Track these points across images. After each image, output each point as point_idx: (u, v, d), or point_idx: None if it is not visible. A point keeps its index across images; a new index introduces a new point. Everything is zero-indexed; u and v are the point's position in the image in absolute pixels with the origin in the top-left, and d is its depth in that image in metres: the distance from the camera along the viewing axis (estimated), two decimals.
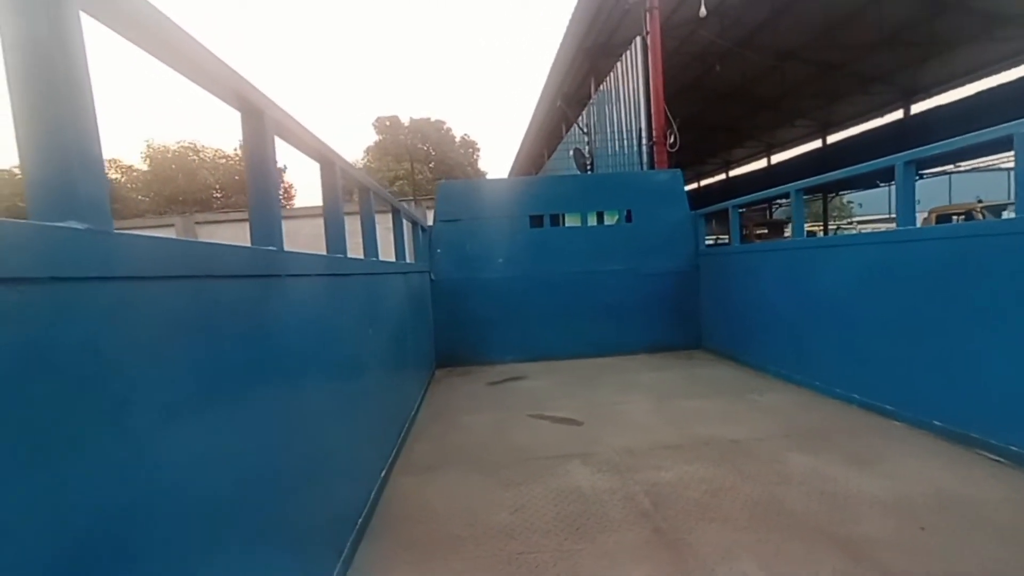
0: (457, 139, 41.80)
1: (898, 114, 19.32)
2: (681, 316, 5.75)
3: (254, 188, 1.41)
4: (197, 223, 9.95)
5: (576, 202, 5.83)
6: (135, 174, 24.61)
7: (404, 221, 3.88)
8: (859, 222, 38.56)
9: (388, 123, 40.07)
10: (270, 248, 1.41)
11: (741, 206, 5.31)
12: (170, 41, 1.02)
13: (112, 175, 24.42)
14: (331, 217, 2.14)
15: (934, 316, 2.83)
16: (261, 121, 1.39)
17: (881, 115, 20.29)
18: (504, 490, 2.53)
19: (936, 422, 2.83)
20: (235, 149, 28.46)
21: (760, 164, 28.42)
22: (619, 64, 10.93)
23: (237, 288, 1.24)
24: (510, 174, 28.46)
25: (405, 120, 40.38)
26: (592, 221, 5.82)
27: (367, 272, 2.58)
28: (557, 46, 13.37)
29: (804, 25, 14.65)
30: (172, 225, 9.81)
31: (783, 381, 4.21)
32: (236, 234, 9.48)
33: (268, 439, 1.35)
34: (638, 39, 9.78)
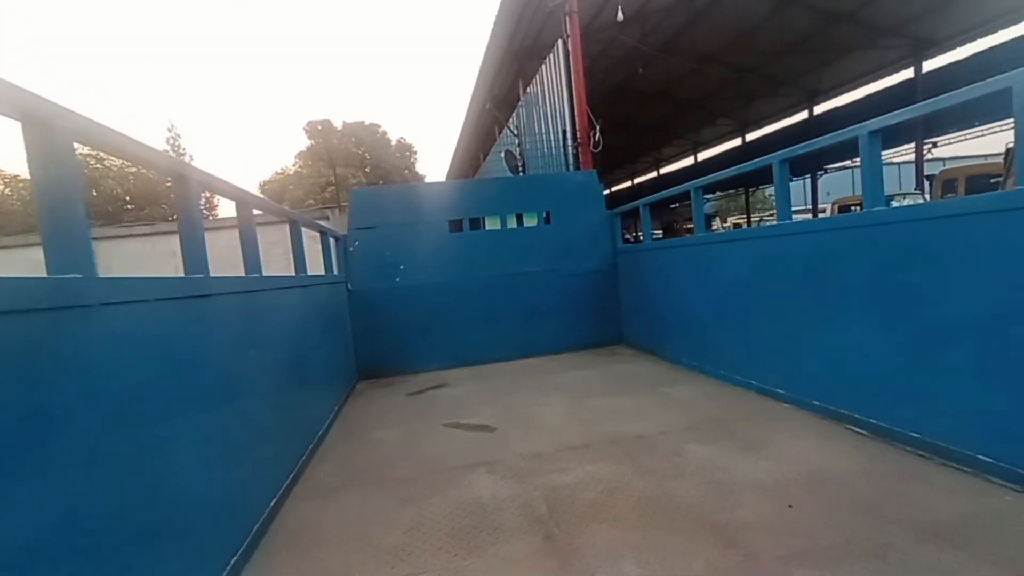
0: (393, 142, 40.94)
1: (803, 114, 20.93)
2: (603, 313, 5.87)
3: (45, 208, 1.24)
4: (94, 238, 9.04)
5: (495, 205, 5.81)
6: (21, 184, 21.96)
7: (303, 231, 3.68)
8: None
9: (320, 127, 38.57)
10: (71, 276, 1.25)
11: (654, 204, 5.50)
12: None
13: None
14: (188, 235, 1.97)
15: (808, 304, 3.03)
16: (51, 132, 1.23)
17: (790, 115, 21.92)
18: (403, 507, 2.44)
19: (815, 402, 3.04)
20: None
21: (688, 161, 29.90)
22: (543, 67, 11.08)
23: (23, 325, 1.09)
24: (447, 176, 28.21)
25: (338, 124, 39.06)
26: (512, 224, 5.83)
27: (241, 291, 2.40)
28: (484, 49, 13.35)
29: (719, 32, 15.55)
30: None
31: (694, 372, 4.38)
32: (140, 249, 8.68)
33: (91, 484, 1.21)
34: (560, 42, 9.95)
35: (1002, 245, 2.01)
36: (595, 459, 2.79)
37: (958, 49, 15.17)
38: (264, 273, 2.64)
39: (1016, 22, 13.47)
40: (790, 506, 2.10)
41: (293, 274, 3.48)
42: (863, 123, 2.46)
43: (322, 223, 5.07)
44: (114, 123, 1.51)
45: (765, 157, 3.10)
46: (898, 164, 30.31)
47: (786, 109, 21.74)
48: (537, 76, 11.60)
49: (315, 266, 4.29)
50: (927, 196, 12.77)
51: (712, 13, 14.52)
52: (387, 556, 2.04)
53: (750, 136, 24.69)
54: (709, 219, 23.15)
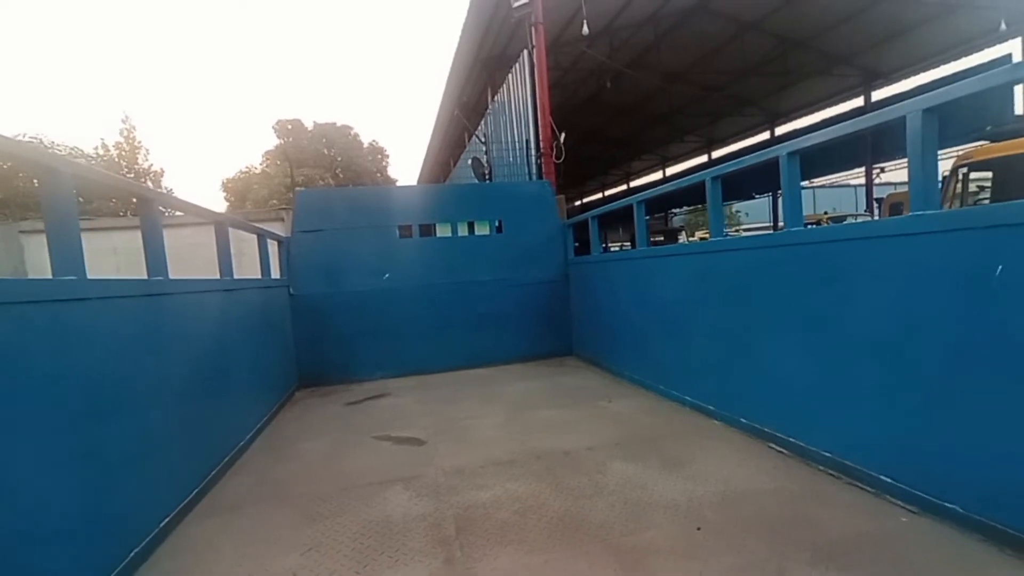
0: (365, 145, 40.39)
1: (765, 135, 21.70)
2: (553, 324, 5.85)
3: None
4: (23, 232, 8.47)
5: (447, 212, 5.74)
6: None
7: (230, 232, 3.51)
8: (745, 229, 42.88)
9: (290, 126, 37.73)
10: None
11: (604, 216, 5.53)
12: None
13: None
14: (59, 233, 1.81)
15: (736, 321, 3.07)
16: None
17: (753, 134, 22.69)
18: (308, 526, 2.32)
19: (742, 419, 3.06)
20: (96, 148, 25.15)
21: (657, 176, 30.57)
22: (510, 76, 11.11)
23: None
24: (419, 181, 27.98)
25: (309, 124, 38.29)
26: (464, 231, 5.76)
27: (135, 294, 2.25)
28: (452, 55, 13.32)
29: (684, 51, 15.97)
30: None
31: (635, 386, 4.38)
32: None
33: None
34: (525, 53, 9.99)
35: (902, 267, 2.06)
36: (518, 476, 2.72)
37: (903, 81, 16.06)
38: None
39: (955, 58, 14.37)
40: (698, 528, 2.07)
41: (217, 277, 3.31)
42: (781, 144, 2.50)
43: (265, 225, 4.89)
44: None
45: (696, 175, 3.13)
46: (854, 187, 31.93)
47: (750, 128, 22.48)
48: (504, 85, 11.63)
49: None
50: (876, 217, 13.38)
51: (678, 33, 14.90)
52: None
53: (716, 153, 25.43)
54: (676, 233, 23.62)
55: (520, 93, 10.55)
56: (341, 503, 2.53)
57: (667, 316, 3.87)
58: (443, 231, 5.72)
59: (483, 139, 13.78)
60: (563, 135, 9.44)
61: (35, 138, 23.27)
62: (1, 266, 8.65)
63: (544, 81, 9.40)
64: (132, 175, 24.48)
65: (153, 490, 2.25)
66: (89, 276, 1.91)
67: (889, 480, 2.16)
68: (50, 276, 1.80)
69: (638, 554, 1.92)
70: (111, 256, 7.52)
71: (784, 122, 20.91)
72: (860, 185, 24.22)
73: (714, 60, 16.69)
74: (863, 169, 18.40)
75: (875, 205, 14.54)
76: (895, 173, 17.07)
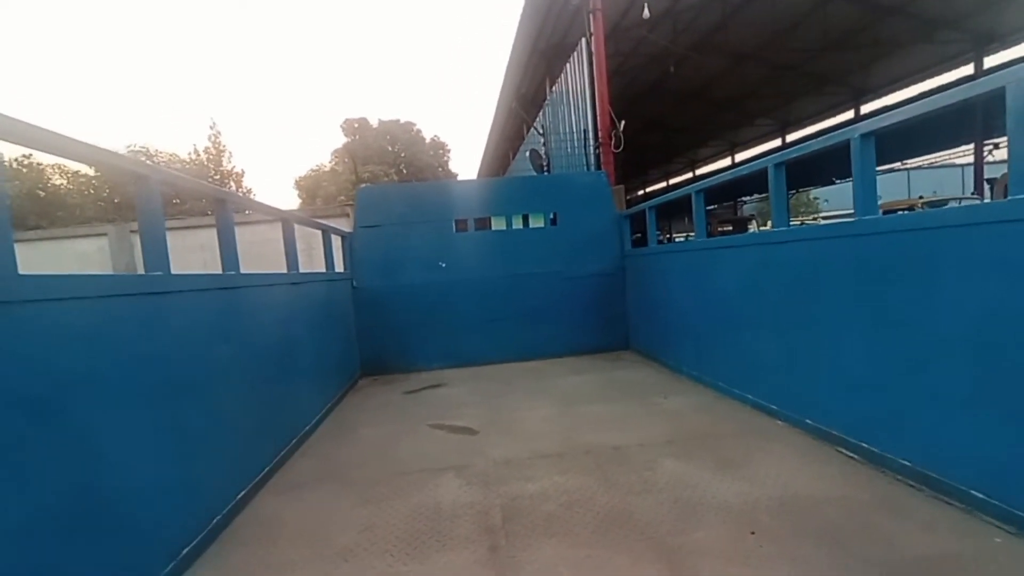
0: (427, 140, 41.52)
1: (849, 114, 19.88)
2: (609, 318, 5.75)
3: None
4: (133, 231, 9.56)
5: (502, 205, 5.78)
6: (82, 179, 23.67)
7: (302, 228, 3.75)
8: (823, 217, 39.62)
9: (356, 124, 39.56)
10: None
11: (668, 206, 5.34)
12: None
13: (56, 180, 23.44)
14: (148, 233, 2.03)
15: (802, 316, 2.86)
16: None
17: (835, 115, 20.86)
18: (363, 507, 2.45)
19: (807, 420, 2.86)
20: (189, 153, 27.69)
21: (725, 162, 28.96)
22: (568, 66, 10.95)
23: None
24: (478, 174, 28.38)
25: (374, 122, 39.94)
26: (518, 224, 5.78)
27: (211, 287, 2.47)
28: (510, 47, 13.33)
29: (755, 29, 14.94)
30: (104, 234, 9.41)
31: (694, 382, 4.22)
32: (171, 243, 9.09)
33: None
34: (583, 40, 9.80)
35: (1001, 259, 1.82)
36: (566, 469, 2.72)
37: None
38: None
39: None
40: (752, 533, 1.97)
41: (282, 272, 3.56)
42: (854, 126, 2.29)
43: (332, 221, 5.18)
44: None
45: (757, 161, 2.93)
46: (960, 166, 28.43)
47: (831, 108, 20.70)
48: (562, 75, 11.48)
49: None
50: (988, 200, 11.89)
51: (748, 10, 13.95)
52: (333, 556, 2.05)
53: (792, 136, 23.66)
54: (745, 222, 22.29)
55: (578, 82, 10.37)
56: (396, 487, 2.65)
57: (726, 309, 3.68)
58: (498, 224, 5.77)
59: (541, 131, 13.72)
60: (622, 123, 9.19)
61: (143, 148, 26.13)
62: (116, 262, 9.80)
63: (602, 69, 9.18)
64: (218, 177, 26.78)
65: (230, 466, 2.48)
66: (174, 271, 2.13)
67: (981, 496, 1.93)
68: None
69: (684, 555, 1.86)
70: (199, 252, 8.28)
71: (873, 98, 19.02)
72: (968, 164, 21.61)
73: (790, 36, 15.48)
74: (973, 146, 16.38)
75: (986, 186, 12.89)
76: None
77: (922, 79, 17.36)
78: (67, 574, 1.46)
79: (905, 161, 20.87)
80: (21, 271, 1.38)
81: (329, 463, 3.12)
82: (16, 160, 22.89)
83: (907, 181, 32.59)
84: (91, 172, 22.81)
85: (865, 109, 19.30)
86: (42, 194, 22.82)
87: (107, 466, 1.67)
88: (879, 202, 2.46)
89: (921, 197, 13.36)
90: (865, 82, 18.46)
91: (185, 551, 2.00)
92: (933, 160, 24.03)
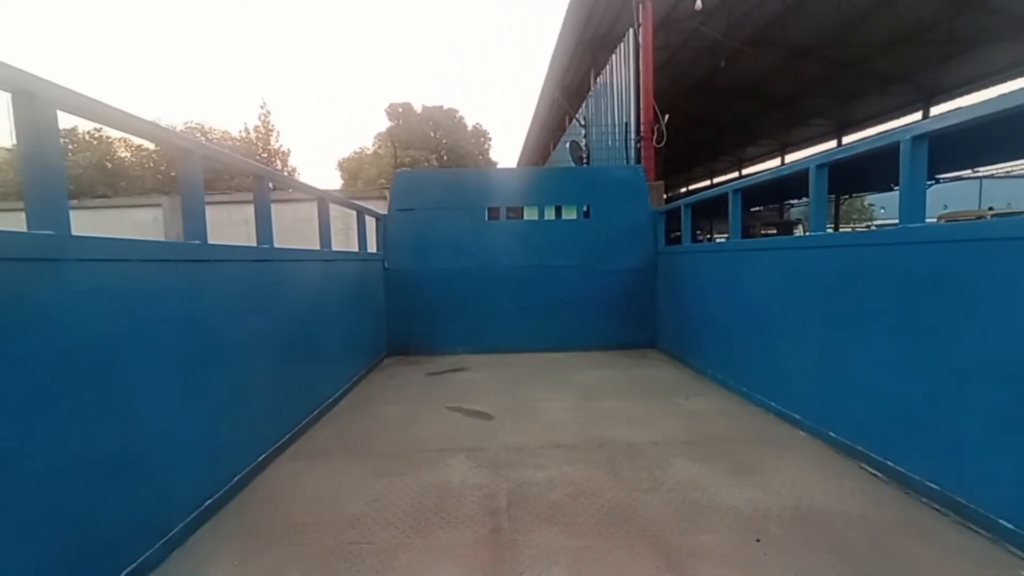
0: (469, 128, 41.66)
1: (917, 115, 18.62)
2: (637, 315, 5.67)
3: (28, 170, 1.41)
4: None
5: (536, 196, 5.76)
6: (144, 153, 25.18)
7: (344, 208, 3.85)
8: (876, 225, 37.49)
9: (400, 110, 40.09)
10: (44, 232, 1.42)
11: (709, 205, 5.17)
12: None
13: (122, 153, 25.04)
14: (190, 203, 2.15)
15: (833, 324, 2.74)
16: (34, 102, 1.40)
17: (900, 116, 19.59)
18: (376, 480, 2.54)
19: (831, 432, 2.75)
20: (240, 131, 28.79)
21: (775, 162, 27.75)
22: (613, 57, 10.73)
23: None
24: (518, 164, 28.30)
25: (418, 107, 40.37)
26: (551, 215, 5.75)
27: (243, 259, 2.59)
28: (556, 38, 13.15)
29: (816, 22, 14.17)
30: (159, 205, 9.97)
31: (718, 385, 4.12)
32: (217, 216, 9.59)
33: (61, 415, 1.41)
34: (630, 31, 9.56)
35: None
36: (576, 460, 2.73)
37: None
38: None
39: None
40: (758, 540, 1.93)
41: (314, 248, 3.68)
42: (906, 127, 2.15)
43: (370, 203, 5.31)
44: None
45: (798, 162, 2.81)
46: None
47: (896, 109, 19.43)
48: (607, 66, 11.26)
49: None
50: None
51: (809, 2, 13.23)
52: (342, 522, 2.14)
53: (849, 138, 22.39)
54: (791, 226, 21.36)
55: (623, 74, 10.15)
56: (408, 463, 2.73)
57: (756, 314, 3.56)
58: (530, 214, 5.77)
59: (583, 122, 13.53)
60: (666, 117, 8.95)
61: (198, 124, 27.42)
62: (168, 231, 10.39)
63: (649, 61, 8.95)
64: (266, 155, 27.78)
65: (252, 430, 2.62)
66: (210, 241, 2.25)
67: (1011, 526, 1.82)
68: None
69: (684, 555, 1.84)
70: (244, 227, 8.68)
71: (945, 99, 17.72)
72: None
73: (855, 30, 14.58)
74: None
75: None
76: None
77: (1002, 80, 16.05)
78: (100, 513, 1.59)
79: (976, 168, 19.39)
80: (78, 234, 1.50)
81: (347, 436, 3.24)
82: (88, 133, 24.51)
83: (979, 190, 30.37)
84: (151, 147, 24.19)
85: (935, 111, 18.02)
86: (109, 165, 24.41)
87: (141, 420, 1.79)
88: (944, 211, 2.31)
89: (991, 208, 12.42)
90: (937, 81, 17.21)
91: (208, 502, 2.13)
92: (1010, 168, 22.23)
